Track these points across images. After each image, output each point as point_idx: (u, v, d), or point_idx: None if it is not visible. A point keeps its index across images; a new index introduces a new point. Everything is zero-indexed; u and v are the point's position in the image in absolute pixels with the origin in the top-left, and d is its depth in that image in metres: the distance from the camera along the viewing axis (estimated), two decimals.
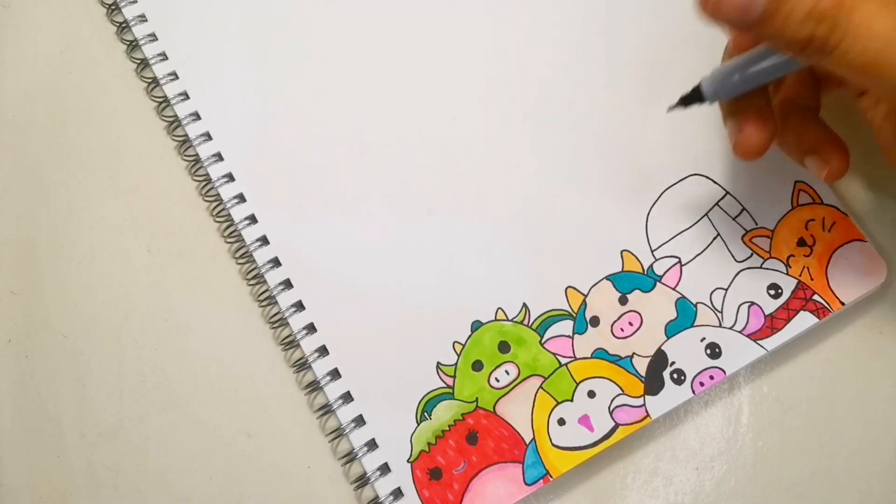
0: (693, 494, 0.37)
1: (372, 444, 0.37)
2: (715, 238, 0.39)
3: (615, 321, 0.38)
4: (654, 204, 0.39)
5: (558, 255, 0.39)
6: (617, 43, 0.42)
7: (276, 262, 0.39)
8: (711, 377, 0.37)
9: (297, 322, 0.38)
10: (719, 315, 0.38)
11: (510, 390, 0.37)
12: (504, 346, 0.38)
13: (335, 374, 0.38)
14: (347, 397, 0.37)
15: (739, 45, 0.34)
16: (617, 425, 0.36)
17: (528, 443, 0.36)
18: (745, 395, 0.39)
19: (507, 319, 0.38)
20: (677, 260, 0.39)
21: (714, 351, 0.37)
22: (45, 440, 0.38)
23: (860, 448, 0.38)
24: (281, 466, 0.38)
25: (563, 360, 0.37)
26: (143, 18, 0.42)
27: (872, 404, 0.38)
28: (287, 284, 0.39)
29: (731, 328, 0.38)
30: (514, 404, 0.37)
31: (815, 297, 0.38)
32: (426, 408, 0.37)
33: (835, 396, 0.38)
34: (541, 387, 0.37)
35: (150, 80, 0.42)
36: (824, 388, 0.38)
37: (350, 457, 0.37)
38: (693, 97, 0.35)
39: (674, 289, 0.38)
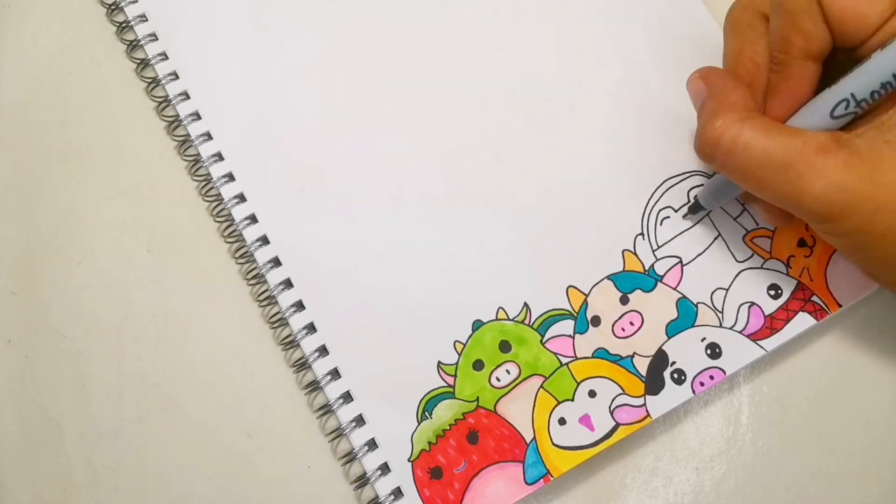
0: (693, 494, 0.37)
1: (372, 444, 0.37)
2: (716, 238, 0.39)
3: (616, 321, 0.38)
4: (655, 203, 0.39)
5: (559, 255, 0.39)
6: (618, 44, 0.42)
7: (276, 262, 0.39)
8: (711, 377, 0.37)
9: (297, 322, 0.38)
10: (720, 315, 0.38)
11: (511, 390, 0.37)
12: (505, 346, 0.38)
13: (335, 374, 0.38)
14: (347, 397, 0.37)
15: None
16: (617, 425, 0.36)
17: (528, 442, 0.36)
18: (745, 395, 0.39)
19: (508, 319, 0.38)
20: (678, 260, 0.39)
21: (714, 351, 0.37)
22: (45, 440, 0.38)
23: (860, 448, 0.38)
24: (281, 466, 0.38)
25: (564, 360, 0.37)
26: (143, 18, 0.42)
27: (872, 404, 0.38)
28: (287, 284, 0.39)
29: (731, 328, 0.38)
30: (514, 404, 0.37)
31: (814, 298, 0.38)
32: (427, 407, 0.37)
33: (835, 396, 0.38)
34: (542, 386, 0.37)
35: (150, 80, 0.42)
36: (824, 388, 0.39)
37: (350, 457, 0.37)
38: (696, 207, 0.39)
39: (675, 289, 0.38)
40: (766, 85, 0.35)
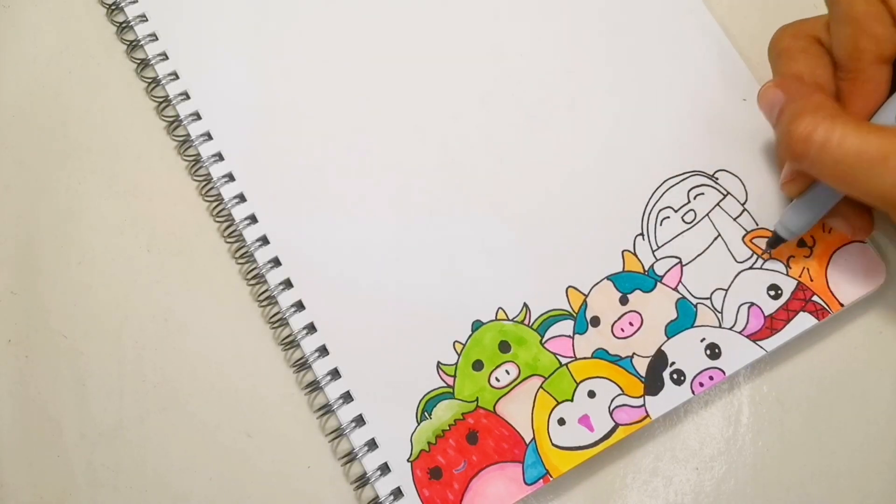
0: (693, 494, 0.37)
1: (372, 444, 0.37)
2: (716, 238, 0.39)
3: (616, 321, 0.38)
4: (655, 204, 0.39)
5: (559, 255, 0.39)
6: (618, 43, 0.42)
7: (276, 262, 0.39)
8: (711, 377, 0.37)
9: (297, 322, 0.38)
10: (719, 315, 0.38)
11: (510, 390, 0.37)
12: (504, 346, 0.38)
13: (335, 374, 0.38)
14: (347, 397, 0.37)
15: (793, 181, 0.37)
16: (617, 425, 0.36)
17: (528, 442, 0.36)
18: (745, 395, 0.39)
19: (508, 319, 0.38)
20: (678, 260, 0.39)
21: (714, 351, 0.37)
22: (45, 440, 0.38)
23: (860, 448, 0.38)
24: (281, 466, 0.38)
25: (564, 360, 0.37)
26: (143, 18, 0.42)
27: (872, 404, 0.38)
28: (287, 284, 0.39)
29: (731, 329, 0.38)
30: (514, 404, 0.37)
31: (815, 298, 0.38)
32: (426, 407, 0.37)
33: (835, 396, 0.38)
34: (541, 386, 0.37)
35: (150, 80, 0.42)
36: (824, 388, 0.39)
37: (350, 457, 0.37)
38: (777, 241, 0.38)
39: (674, 289, 0.38)
40: (838, 96, 0.35)
